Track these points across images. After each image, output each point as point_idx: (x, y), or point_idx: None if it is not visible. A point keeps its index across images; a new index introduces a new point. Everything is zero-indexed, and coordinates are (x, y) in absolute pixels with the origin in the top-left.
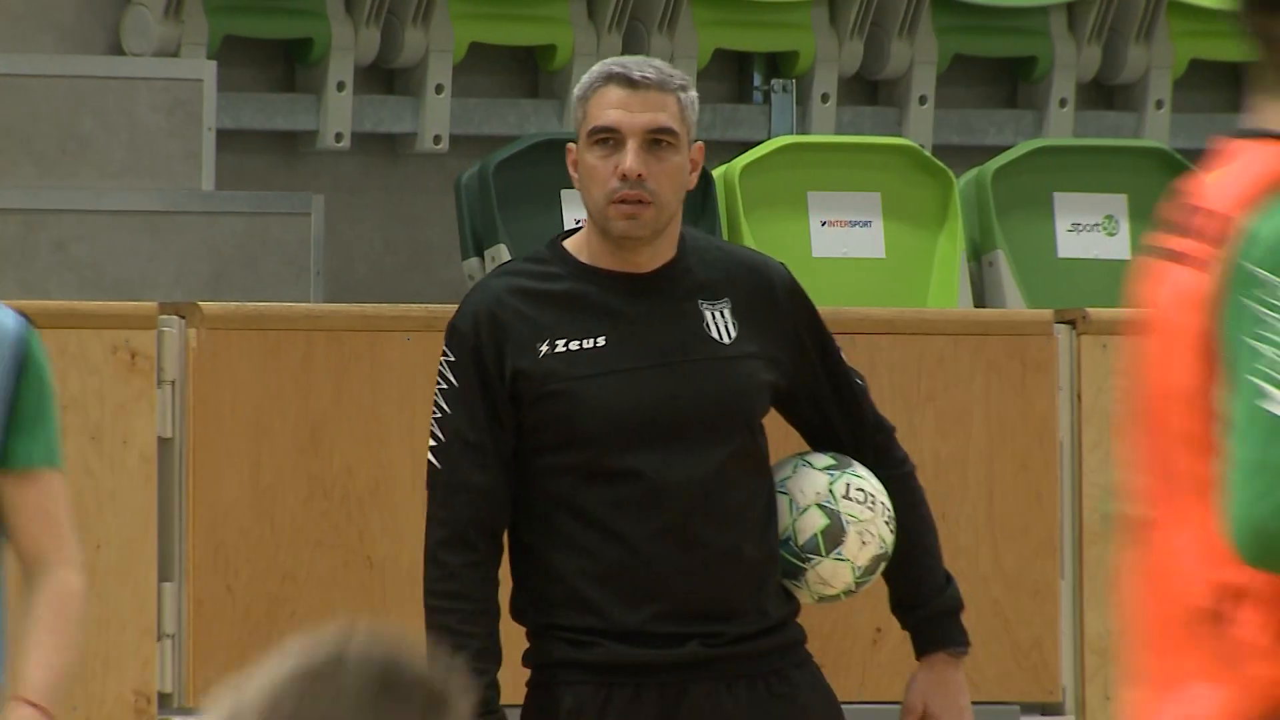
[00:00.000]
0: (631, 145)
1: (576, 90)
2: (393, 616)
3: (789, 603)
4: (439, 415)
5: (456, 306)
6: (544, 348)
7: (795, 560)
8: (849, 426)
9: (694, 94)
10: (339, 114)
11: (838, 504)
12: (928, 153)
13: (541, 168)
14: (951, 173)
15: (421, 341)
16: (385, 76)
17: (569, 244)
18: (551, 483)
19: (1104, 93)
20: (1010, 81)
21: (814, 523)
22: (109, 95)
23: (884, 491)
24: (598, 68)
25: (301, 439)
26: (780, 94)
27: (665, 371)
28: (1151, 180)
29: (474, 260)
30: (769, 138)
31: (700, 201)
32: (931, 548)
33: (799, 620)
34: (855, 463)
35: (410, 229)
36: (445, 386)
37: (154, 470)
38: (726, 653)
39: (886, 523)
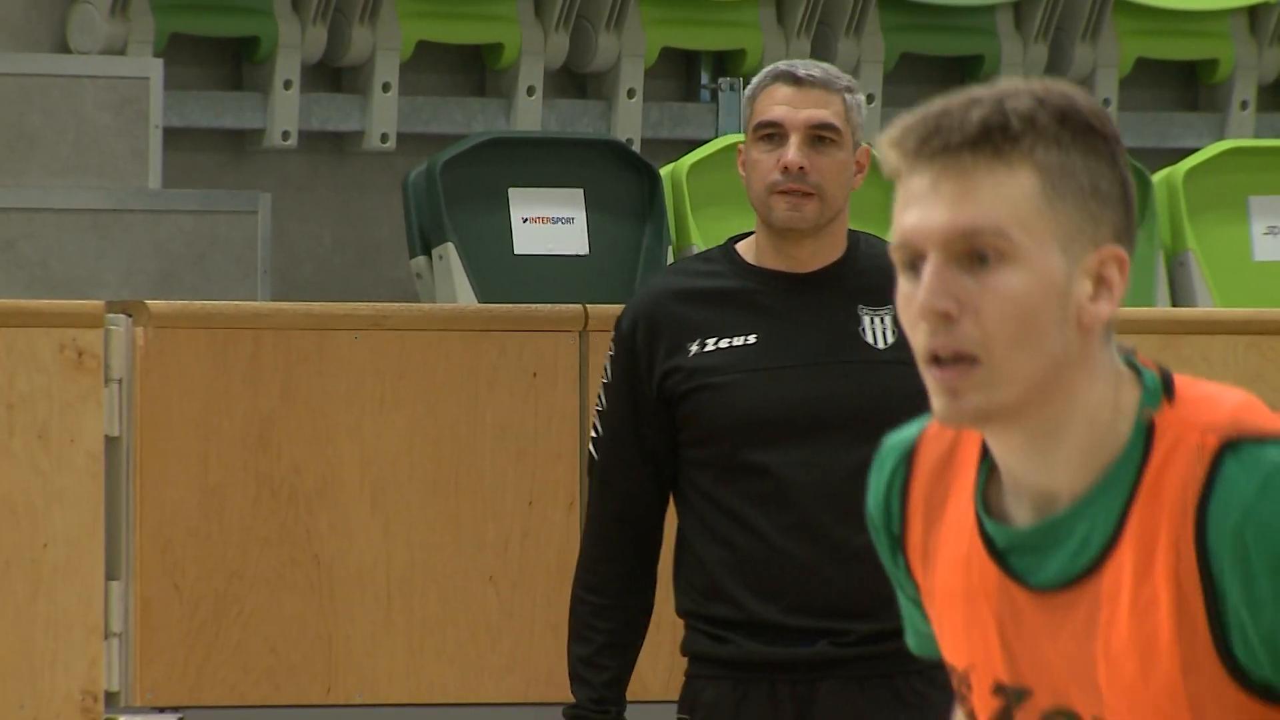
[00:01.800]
0: (794, 140)
1: (746, 91)
2: (340, 615)
3: None
4: (599, 408)
5: (401, 305)
6: (694, 346)
7: None
8: None
9: (860, 96)
10: (286, 112)
11: None
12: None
13: (489, 166)
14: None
15: (369, 340)
16: (332, 75)
17: (741, 245)
18: (698, 476)
19: None
20: (957, 80)
21: None
22: (55, 93)
23: None
24: (768, 69)
25: (249, 437)
26: (727, 92)
27: (810, 371)
28: None
29: (421, 259)
30: (716, 136)
31: (648, 200)
32: None
33: None
34: None
35: (358, 227)
36: (606, 380)
37: (101, 469)
38: (856, 653)
39: None
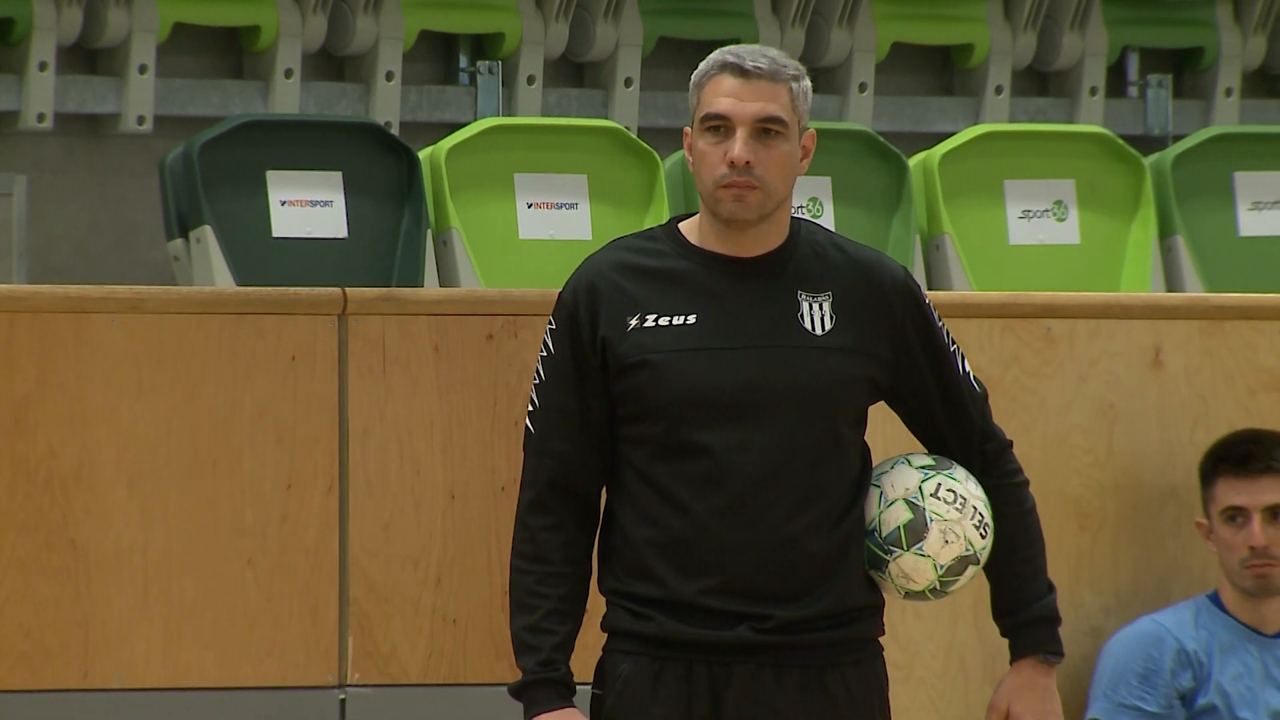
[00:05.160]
0: (741, 134)
1: (693, 77)
2: (97, 599)
3: (866, 597)
4: (537, 381)
5: (159, 288)
6: (634, 321)
7: (878, 551)
8: (954, 431)
9: (807, 84)
10: (41, 94)
11: (924, 501)
12: (634, 135)
13: (247, 148)
14: (657, 155)
15: (126, 323)
16: (88, 56)
17: (684, 225)
18: (632, 453)
19: (809, 75)
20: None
21: (898, 516)
22: None
23: (982, 499)
24: (714, 55)
25: (4, 421)
26: (486, 76)
27: (748, 355)
28: (855, 161)
29: (179, 241)
30: (475, 119)
31: (406, 183)
32: (1032, 557)
33: (881, 620)
34: (958, 467)
35: (114, 210)
36: (544, 354)
37: None
38: (775, 640)
39: (976, 526)
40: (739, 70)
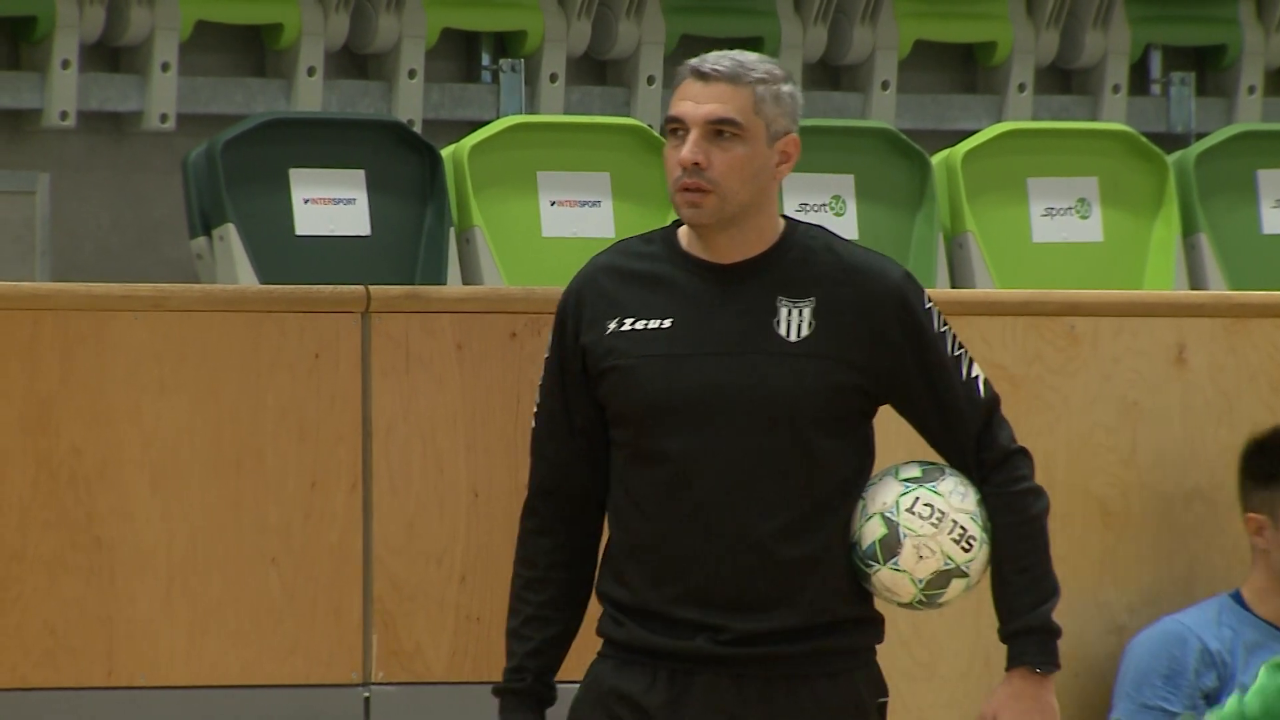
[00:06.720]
0: (693, 135)
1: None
2: (121, 597)
3: (846, 608)
4: (541, 382)
5: (182, 286)
6: (612, 325)
7: (860, 565)
8: (949, 438)
9: (785, 88)
10: (64, 92)
11: (899, 516)
12: (656, 133)
13: (269, 147)
14: None
15: (149, 321)
16: (111, 54)
17: (682, 229)
18: (615, 457)
19: (831, 73)
20: None
21: (874, 531)
22: None
23: (968, 511)
24: (686, 62)
25: (28, 419)
26: (509, 74)
27: (716, 360)
28: (878, 159)
29: (201, 239)
30: (498, 117)
31: (429, 181)
32: (1028, 566)
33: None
34: (949, 478)
35: (137, 208)
36: (547, 355)
37: None
38: (732, 652)
39: (955, 540)
40: (698, 73)
